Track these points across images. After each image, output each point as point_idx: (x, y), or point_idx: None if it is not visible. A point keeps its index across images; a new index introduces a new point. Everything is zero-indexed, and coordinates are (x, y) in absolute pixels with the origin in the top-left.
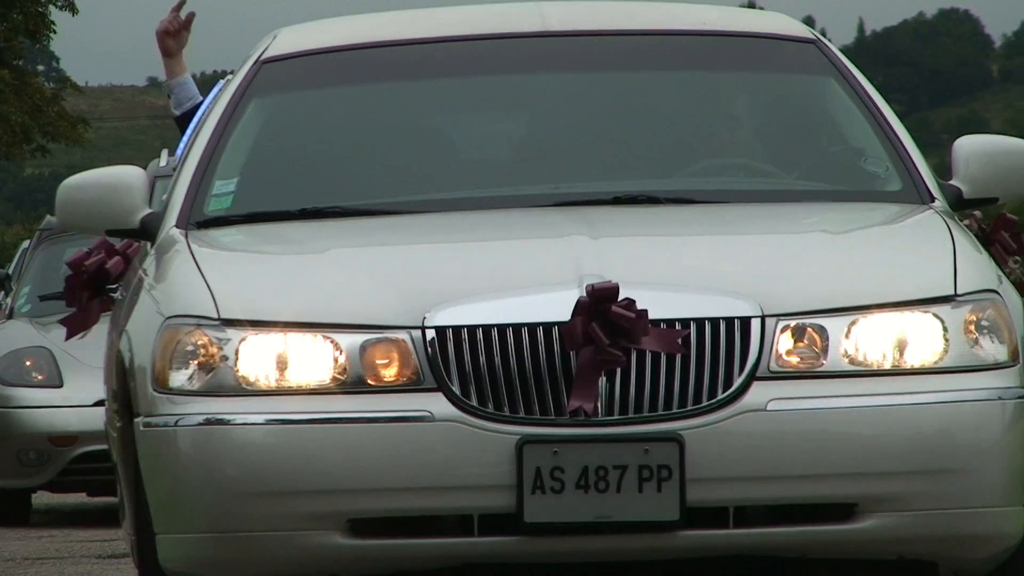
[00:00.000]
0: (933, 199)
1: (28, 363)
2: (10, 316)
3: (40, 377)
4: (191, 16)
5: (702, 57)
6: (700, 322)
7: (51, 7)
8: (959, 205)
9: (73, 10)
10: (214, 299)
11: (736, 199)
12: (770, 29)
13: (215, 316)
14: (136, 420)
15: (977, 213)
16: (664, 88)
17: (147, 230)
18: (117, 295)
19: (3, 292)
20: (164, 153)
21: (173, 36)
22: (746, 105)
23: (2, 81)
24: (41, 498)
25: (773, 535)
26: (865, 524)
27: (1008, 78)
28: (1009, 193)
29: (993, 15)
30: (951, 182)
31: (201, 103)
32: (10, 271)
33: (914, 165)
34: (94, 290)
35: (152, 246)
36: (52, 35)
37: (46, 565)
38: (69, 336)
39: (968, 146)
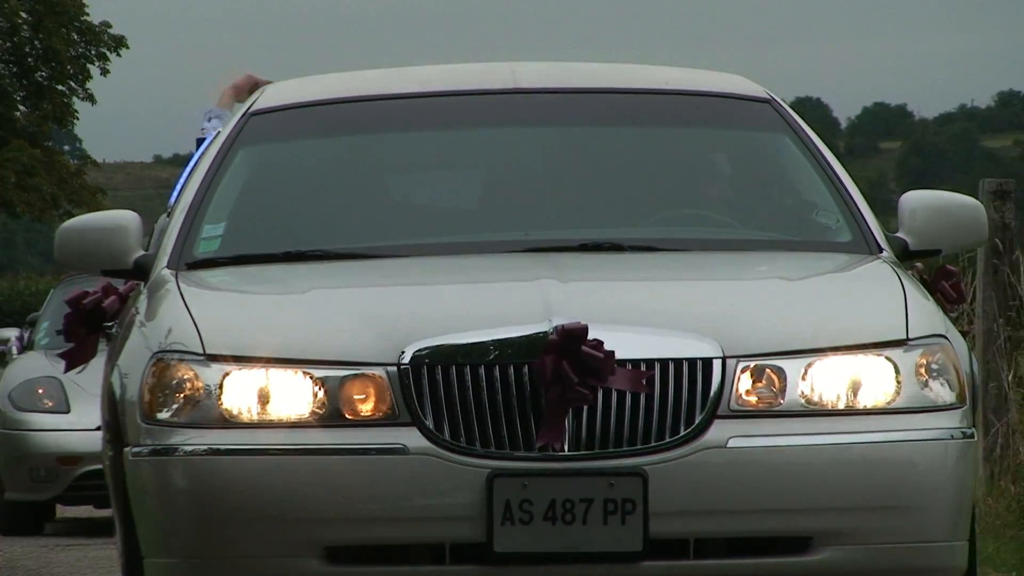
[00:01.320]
0: (881, 249)
1: (40, 391)
2: (30, 348)
3: (50, 403)
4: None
5: (664, 114)
6: (664, 362)
7: (75, 98)
8: (904, 256)
9: (92, 100)
10: (200, 335)
11: (696, 247)
12: (728, 88)
13: (200, 351)
14: (125, 450)
15: (919, 264)
16: (628, 142)
17: (141, 270)
18: (113, 331)
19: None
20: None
21: (249, 90)
22: (705, 159)
23: (35, 159)
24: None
25: (732, 566)
26: (820, 556)
27: (852, 153)
28: (952, 245)
29: (840, 101)
30: (897, 234)
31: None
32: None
33: (863, 218)
34: (91, 326)
35: (145, 285)
36: (75, 121)
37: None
38: (68, 369)
39: (914, 200)
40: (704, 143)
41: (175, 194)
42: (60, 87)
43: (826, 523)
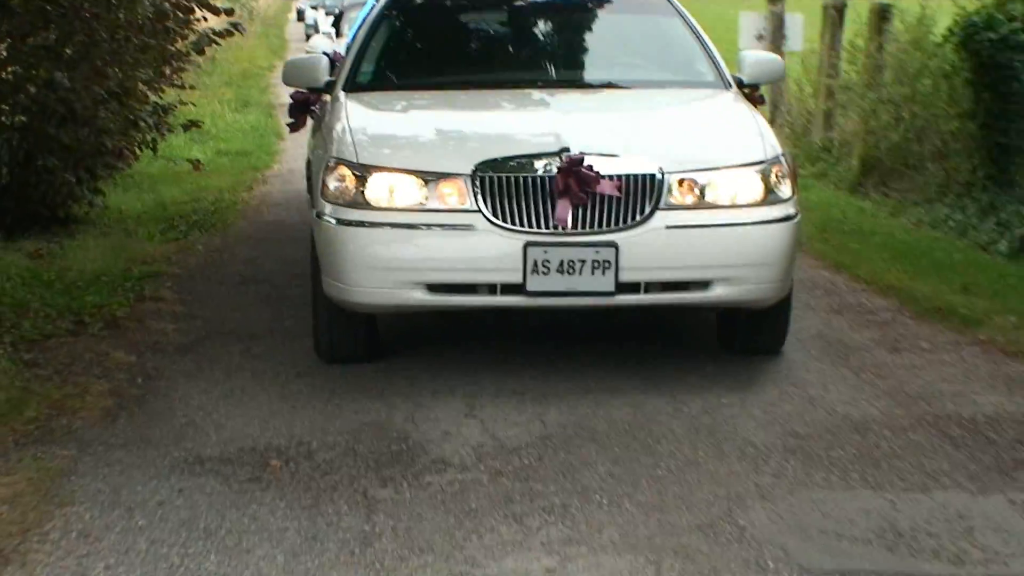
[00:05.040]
0: (730, 85)
1: None
2: None
3: None
4: None
5: (608, 6)
6: (629, 177)
7: None
8: (740, 86)
9: None
10: (356, 150)
11: (636, 85)
12: None
13: (356, 160)
14: (313, 211)
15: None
16: (587, 23)
17: (328, 88)
18: (316, 111)
19: None
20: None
21: None
22: (633, 34)
23: None
24: None
25: (665, 298)
26: (715, 292)
27: None
28: (765, 80)
29: None
30: (737, 75)
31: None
32: None
33: (722, 67)
34: (302, 110)
35: (330, 96)
36: None
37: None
38: (292, 131)
39: (745, 55)
40: (632, 24)
41: (347, 43)
42: None
43: (719, 273)
